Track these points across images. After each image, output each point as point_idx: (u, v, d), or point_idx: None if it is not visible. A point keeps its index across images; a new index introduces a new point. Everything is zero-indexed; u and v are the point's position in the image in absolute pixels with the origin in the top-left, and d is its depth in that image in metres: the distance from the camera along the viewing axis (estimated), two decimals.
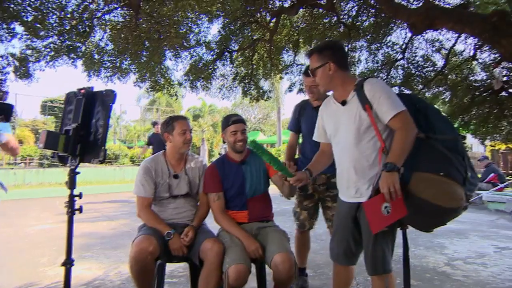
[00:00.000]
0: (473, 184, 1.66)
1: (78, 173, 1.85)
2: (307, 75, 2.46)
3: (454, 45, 5.23)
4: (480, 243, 4.52)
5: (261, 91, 6.29)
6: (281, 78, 7.14)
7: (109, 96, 1.94)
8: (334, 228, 2.03)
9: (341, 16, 5.44)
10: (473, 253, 4.03)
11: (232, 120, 2.29)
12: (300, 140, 2.83)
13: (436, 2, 4.65)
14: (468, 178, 1.61)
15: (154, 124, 7.28)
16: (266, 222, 2.30)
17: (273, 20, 5.42)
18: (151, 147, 6.96)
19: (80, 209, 1.82)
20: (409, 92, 5.52)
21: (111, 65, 4.22)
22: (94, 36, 4.12)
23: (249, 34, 5.80)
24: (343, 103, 1.84)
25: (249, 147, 2.09)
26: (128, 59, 4.29)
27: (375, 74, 5.68)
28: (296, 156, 2.84)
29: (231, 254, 2.01)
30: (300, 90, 6.37)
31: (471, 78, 5.69)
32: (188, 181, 2.39)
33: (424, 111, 1.74)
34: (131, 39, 3.79)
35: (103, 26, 4.05)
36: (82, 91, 1.93)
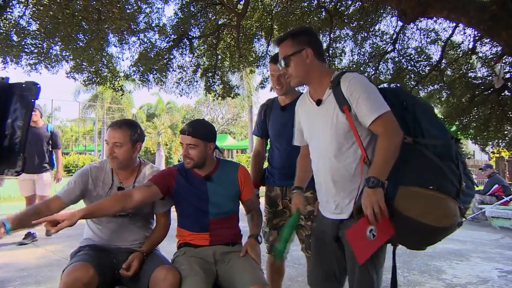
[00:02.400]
0: (469, 195, 1.69)
1: None
2: (275, 62, 2.45)
3: (451, 36, 5.47)
4: (483, 266, 4.71)
5: (227, 86, 6.29)
6: (252, 71, 7.16)
7: (30, 90, 1.87)
8: (312, 247, 2.03)
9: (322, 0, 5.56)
10: (475, 278, 4.19)
11: (180, 129, 2.26)
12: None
13: None
14: (462, 189, 1.63)
15: None
16: (232, 246, 2.27)
17: (242, 2, 5.45)
18: None
19: None
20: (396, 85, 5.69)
21: (35, 50, 4.04)
22: (12, 12, 3.93)
23: (213, 18, 5.80)
24: (318, 102, 1.85)
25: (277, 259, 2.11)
26: (60, 44, 4.15)
27: (362, 68, 5.83)
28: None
29: (189, 285, 1.96)
30: None
31: (470, 74, 5.95)
32: None
33: (412, 110, 1.74)
34: (62, 19, 3.66)
35: (23, 0, 3.88)
36: None
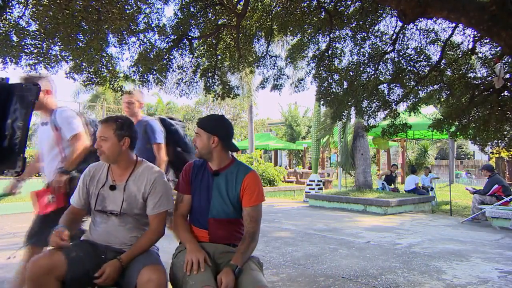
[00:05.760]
0: None
1: None
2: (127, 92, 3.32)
3: (450, 36, 5.45)
4: (483, 266, 4.72)
5: (227, 87, 6.28)
6: (251, 72, 7.16)
7: (30, 91, 1.87)
8: None
9: (322, 0, 5.55)
10: (475, 278, 4.19)
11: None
12: None
13: None
14: None
15: None
16: (233, 247, 2.28)
17: (241, 2, 5.45)
18: None
19: None
20: None
21: (35, 50, 4.03)
22: (12, 12, 3.92)
23: (213, 18, 5.79)
24: None
25: None
26: (59, 44, 4.14)
27: (361, 68, 5.83)
28: None
29: (196, 275, 1.96)
30: (274, 87, 6.42)
31: (470, 74, 5.94)
32: (123, 197, 2.29)
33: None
34: (62, 19, 3.66)
35: (23, 1, 3.88)
36: None
